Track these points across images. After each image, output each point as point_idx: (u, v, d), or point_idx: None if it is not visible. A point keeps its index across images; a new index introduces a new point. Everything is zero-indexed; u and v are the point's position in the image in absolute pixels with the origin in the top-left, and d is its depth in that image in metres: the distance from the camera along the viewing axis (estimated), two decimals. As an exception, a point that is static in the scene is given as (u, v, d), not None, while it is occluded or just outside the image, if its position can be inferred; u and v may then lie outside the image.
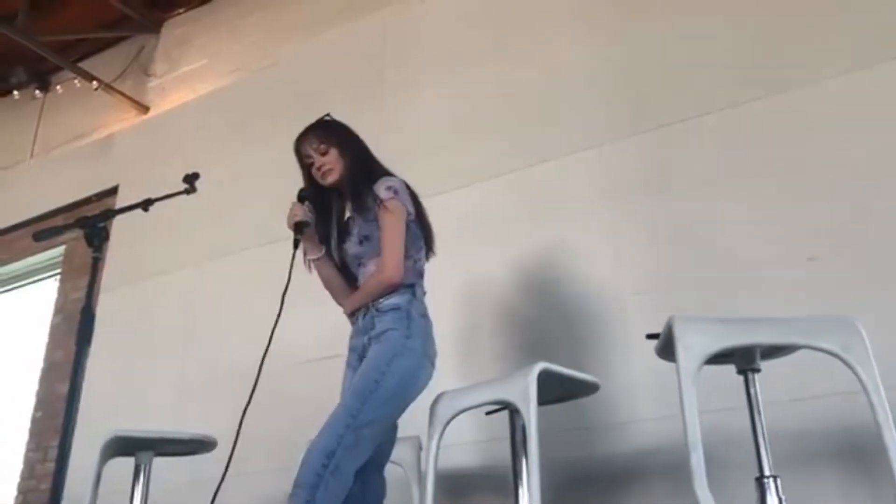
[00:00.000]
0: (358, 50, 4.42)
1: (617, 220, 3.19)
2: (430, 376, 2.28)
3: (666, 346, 2.00)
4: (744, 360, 2.02)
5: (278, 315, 2.28)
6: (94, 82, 5.38)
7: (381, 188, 2.34)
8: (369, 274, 2.36)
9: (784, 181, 2.91)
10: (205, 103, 5.02)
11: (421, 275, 2.39)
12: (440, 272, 3.47)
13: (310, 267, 2.47)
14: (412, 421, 3.02)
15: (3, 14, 5.15)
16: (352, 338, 2.40)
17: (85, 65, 5.70)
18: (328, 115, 2.57)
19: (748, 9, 3.25)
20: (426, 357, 2.26)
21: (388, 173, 2.46)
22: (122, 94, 5.46)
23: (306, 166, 2.47)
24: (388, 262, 2.27)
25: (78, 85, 5.61)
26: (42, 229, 2.09)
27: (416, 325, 2.26)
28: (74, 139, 5.76)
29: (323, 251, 2.46)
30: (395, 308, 2.27)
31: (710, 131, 3.13)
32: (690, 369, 1.86)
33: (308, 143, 2.45)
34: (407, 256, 2.33)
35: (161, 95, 5.44)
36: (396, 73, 4.19)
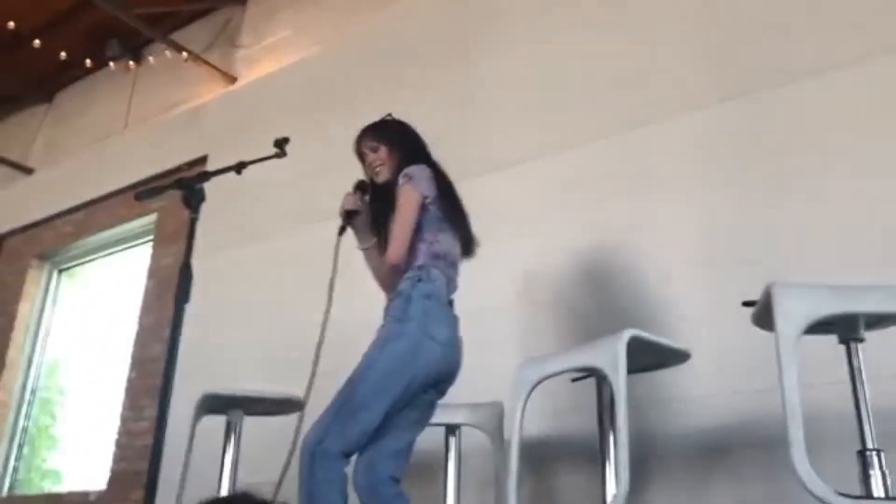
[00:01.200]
0: (441, 16, 4.39)
1: (711, 186, 3.09)
2: (440, 354, 2.23)
3: (763, 314, 1.93)
4: (847, 329, 1.93)
5: (329, 303, 2.27)
6: (184, 53, 5.52)
7: (400, 176, 2.38)
8: None
9: (883, 148, 2.77)
10: (291, 73, 5.09)
11: (438, 256, 2.35)
12: (530, 238, 3.47)
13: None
14: (496, 385, 3.05)
15: (98, -12, 5.32)
16: None
17: (175, 37, 5.84)
18: (390, 114, 2.61)
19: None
20: (426, 336, 2.21)
21: (427, 162, 2.49)
22: (210, 65, 5.58)
23: (364, 163, 2.54)
24: (390, 244, 2.31)
25: (169, 56, 5.77)
26: (143, 189, 2.16)
27: (414, 306, 2.23)
28: (166, 109, 5.93)
29: (373, 242, 2.48)
30: (399, 294, 2.28)
31: (804, 99, 3.00)
32: (790, 337, 1.79)
33: (363, 142, 2.54)
34: (420, 239, 2.34)
35: (248, 66, 5.54)
36: (480, 39, 4.15)
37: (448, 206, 2.43)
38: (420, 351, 2.19)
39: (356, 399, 2.13)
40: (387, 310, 2.32)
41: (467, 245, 2.48)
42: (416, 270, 2.30)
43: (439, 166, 2.51)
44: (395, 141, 2.52)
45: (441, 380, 2.31)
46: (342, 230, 2.40)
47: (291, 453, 2.10)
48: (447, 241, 2.39)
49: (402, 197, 2.34)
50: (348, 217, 2.42)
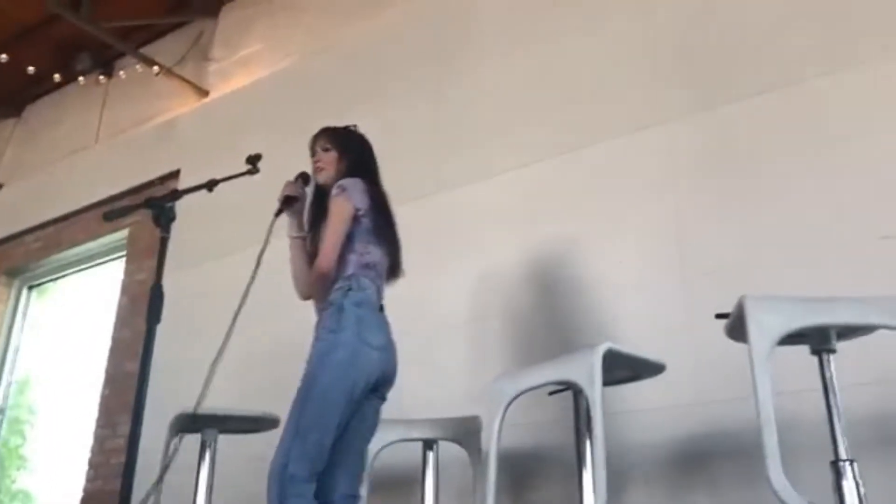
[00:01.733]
0: (413, 31, 4.40)
1: (683, 197, 3.12)
2: (377, 359, 2.29)
3: (737, 327, 1.94)
4: (819, 340, 1.95)
5: (253, 276, 2.34)
6: (156, 67, 5.48)
7: (335, 187, 2.43)
8: None
9: (855, 159, 2.81)
10: (264, 87, 5.07)
11: (368, 266, 2.41)
12: (499, 249, 3.47)
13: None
14: (472, 400, 3.04)
15: (69, 1, 5.27)
16: None
17: (146, 50, 5.80)
18: (354, 125, 2.68)
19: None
20: (362, 343, 2.27)
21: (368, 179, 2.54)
22: (182, 78, 5.54)
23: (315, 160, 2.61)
24: (320, 254, 2.36)
25: (140, 70, 5.72)
26: (111, 210, 2.14)
27: (347, 315, 2.29)
28: (137, 123, 5.88)
29: (303, 234, 2.54)
30: (331, 304, 2.33)
31: (776, 108, 3.03)
32: (763, 350, 1.80)
33: (318, 140, 2.62)
34: (351, 250, 2.39)
35: (221, 79, 5.50)
36: (453, 53, 4.16)
37: (380, 219, 2.48)
38: (358, 358, 2.25)
39: (308, 418, 2.18)
40: (319, 322, 2.36)
41: (394, 263, 2.54)
42: (345, 280, 2.35)
43: (379, 183, 2.58)
44: (348, 150, 2.59)
45: (380, 384, 2.36)
46: (278, 213, 2.47)
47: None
48: (377, 254, 2.45)
49: (335, 207, 2.39)
50: (287, 202, 2.49)
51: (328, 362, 2.23)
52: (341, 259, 2.38)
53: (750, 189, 2.98)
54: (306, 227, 2.57)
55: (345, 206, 2.39)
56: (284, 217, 2.54)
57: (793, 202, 2.87)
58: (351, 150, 2.60)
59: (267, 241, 2.37)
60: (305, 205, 2.56)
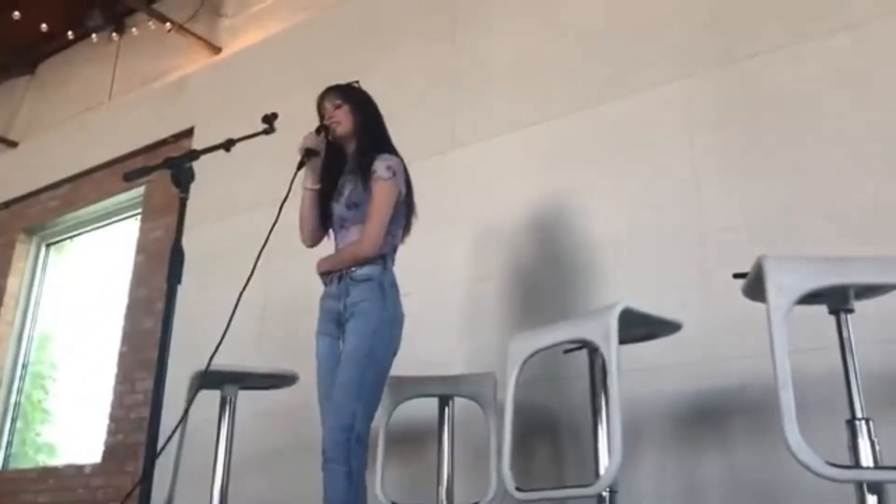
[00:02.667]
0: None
1: (700, 155, 3.09)
2: (400, 339, 2.46)
3: (754, 286, 1.94)
4: (837, 299, 1.94)
5: (275, 221, 2.42)
6: (168, 24, 5.43)
7: (382, 166, 2.50)
8: (349, 240, 2.51)
9: (879, 113, 2.76)
10: (276, 42, 5.02)
11: (395, 249, 2.55)
12: (512, 206, 3.47)
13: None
14: (489, 357, 3.07)
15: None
16: (323, 299, 2.55)
17: (159, 6, 5.75)
18: (357, 81, 2.72)
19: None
20: (398, 325, 2.44)
21: (393, 149, 2.62)
22: (194, 35, 5.50)
23: (322, 123, 2.64)
24: (367, 238, 2.44)
25: (152, 27, 5.68)
26: (131, 170, 2.13)
27: (388, 294, 2.43)
28: (150, 81, 5.86)
29: (318, 187, 2.62)
30: (368, 279, 2.43)
31: (796, 62, 2.98)
32: (781, 310, 1.80)
33: (327, 98, 2.66)
34: (387, 231, 2.48)
35: (233, 36, 5.46)
36: (468, 6, 4.10)
37: (411, 204, 2.62)
38: (397, 339, 2.43)
39: (370, 383, 2.32)
40: (347, 287, 2.43)
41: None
42: (381, 259, 2.47)
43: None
44: (360, 105, 2.66)
45: None
46: (301, 165, 2.55)
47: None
48: (399, 237, 2.58)
49: (385, 192, 2.47)
50: (308, 154, 2.55)
51: (383, 335, 2.38)
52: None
53: (769, 146, 2.95)
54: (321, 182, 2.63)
55: (394, 191, 2.49)
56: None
57: (812, 159, 2.84)
58: (363, 105, 2.66)
59: (289, 193, 2.45)
60: (320, 160, 2.60)
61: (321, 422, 2.40)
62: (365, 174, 2.51)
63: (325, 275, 2.53)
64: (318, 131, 2.59)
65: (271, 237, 2.40)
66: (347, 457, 2.22)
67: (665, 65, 3.30)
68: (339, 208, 2.56)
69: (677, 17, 3.34)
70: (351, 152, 2.63)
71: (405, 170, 2.57)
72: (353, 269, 2.45)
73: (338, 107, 2.62)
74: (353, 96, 2.66)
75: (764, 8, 3.13)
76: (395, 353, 2.42)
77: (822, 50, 2.94)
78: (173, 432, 2.25)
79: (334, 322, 2.47)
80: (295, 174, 2.50)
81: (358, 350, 2.34)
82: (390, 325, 2.41)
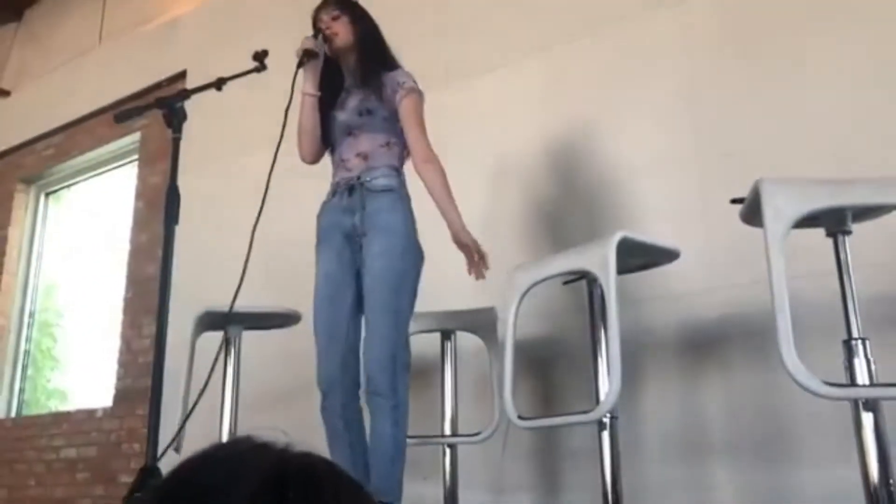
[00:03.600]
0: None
1: (698, 81, 3.05)
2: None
3: (752, 210, 1.94)
4: (834, 222, 1.95)
5: (280, 139, 2.37)
6: (155, -37, 5.32)
7: (409, 78, 2.44)
8: (360, 148, 2.41)
9: (877, 36, 2.72)
10: (266, -20, 4.91)
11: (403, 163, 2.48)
12: (512, 139, 3.44)
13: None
14: (488, 290, 3.09)
15: None
16: (329, 212, 2.43)
17: (145, -54, 5.62)
18: None
19: None
20: (417, 238, 2.38)
21: (398, 64, 2.53)
22: (183, -26, 5.38)
23: (319, 31, 2.52)
24: (427, 154, 2.38)
25: (138, -33, 5.56)
26: (122, 110, 2.12)
27: (409, 207, 2.38)
28: (140, 23, 5.74)
29: (318, 93, 2.50)
30: (388, 189, 2.36)
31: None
32: (778, 233, 1.81)
33: (323, 10, 2.53)
34: (402, 144, 2.44)
35: (222, -26, 5.33)
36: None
37: None
38: (421, 253, 2.36)
39: (405, 309, 2.28)
40: (362, 199, 2.34)
41: None
42: (394, 168, 2.41)
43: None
44: (358, 17, 2.54)
45: None
46: (299, 66, 2.45)
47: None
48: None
49: (418, 102, 2.43)
50: (307, 55, 2.45)
51: (411, 252, 2.31)
52: (393, 147, 2.43)
53: (767, 71, 2.91)
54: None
55: (421, 103, 2.43)
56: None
57: (809, 84, 2.80)
58: (362, 17, 2.56)
59: (291, 97, 2.39)
60: (320, 64, 2.50)
61: (322, 349, 2.33)
62: (374, 81, 2.42)
63: (336, 188, 2.44)
64: (315, 36, 2.49)
65: (279, 179, 2.36)
66: (395, 388, 2.17)
67: (662, -10, 3.23)
68: (346, 115, 2.45)
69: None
70: (352, 65, 2.52)
71: None
72: (367, 178, 2.36)
73: (335, 18, 2.50)
74: (350, 7, 2.55)
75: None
76: (421, 268, 2.35)
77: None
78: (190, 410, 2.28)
79: (343, 236, 2.37)
80: (295, 75, 2.42)
81: (390, 272, 2.26)
82: (415, 240, 2.35)
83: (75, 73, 6.07)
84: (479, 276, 2.31)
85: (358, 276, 2.35)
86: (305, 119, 2.50)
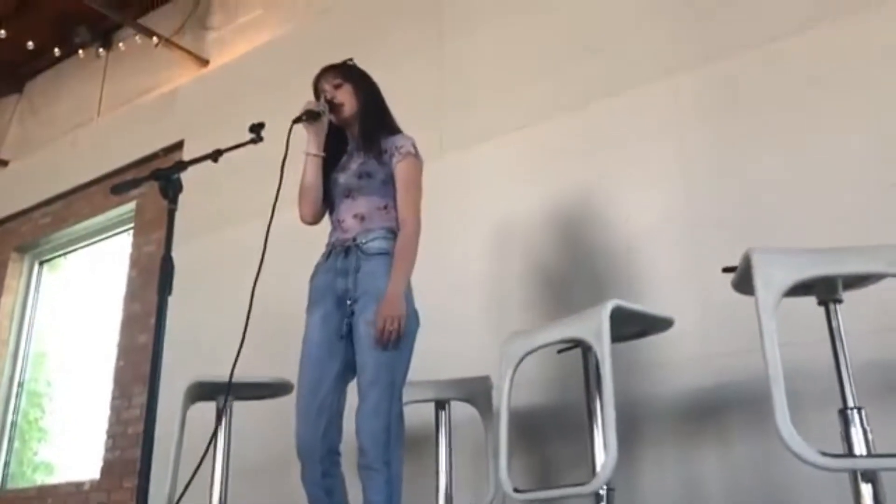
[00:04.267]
0: (413, -9, 4.35)
1: (688, 151, 3.11)
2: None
3: (743, 279, 1.95)
4: (825, 290, 1.96)
5: (279, 187, 2.37)
6: (155, 38, 5.44)
7: (408, 143, 2.47)
8: (357, 210, 2.41)
9: (860, 108, 2.78)
10: (263, 54, 5.04)
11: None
12: (505, 209, 3.48)
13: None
14: (483, 360, 3.07)
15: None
16: (322, 274, 2.42)
17: (145, 21, 5.76)
18: (351, 59, 2.64)
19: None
20: (413, 303, 2.35)
21: (399, 129, 2.56)
22: (181, 48, 5.51)
23: (322, 98, 2.54)
24: (411, 218, 2.38)
25: (139, 41, 5.69)
26: (119, 183, 2.14)
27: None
28: (138, 95, 5.86)
29: (322, 154, 2.50)
30: (383, 252, 2.34)
31: (780, 58, 3.00)
32: (770, 302, 1.81)
33: (325, 79, 2.55)
34: (395, 207, 2.43)
35: (220, 48, 5.47)
36: (453, 12, 4.12)
37: None
38: (416, 319, 2.34)
39: (400, 379, 2.25)
40: (358, 262, 2.32)
41: None
42: (391, 231, 2.39)
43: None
44: (360, 83, 2.56)
45: None
46: (298, 119, 2.44)
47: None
48: None
49: (415, 168, 2.45)
50: (309, 115, 2.45)
51: (408, 325, 2.27)
52: (391, 211, 2.42)
53: (755, 141, 2.96)
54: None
55: (417, 168, 2.45)
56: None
57: (798, 153, 2.86)
58: (364, 83, 2.58)
59: (287, 149, 2.37)
60: (324, 128, 2.50)
61: (302, 413, 2.29)
62: (376, 146, 2.44)
63: (330, 249, 2.44)
64: (319, 99, 2.51)
65: (272, 249, 2.36)
66: (388, 461, 2.14)
67: (651, 63, 3.32)
68: (346, 178, 2.46)
69: (661, 15, 3.36)
70: (355, 131, 2.54)
71: None
72: (363, 240, 2.35)
73: (337, 86, 2.52)
74: (352, 75, 2.57)
75: (745, 4, 3.15)
76: (416, 333, 2.33)
77: (809, 43, 2.95)
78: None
79: (335, 298, 2.35)
80: (291, 127, 2.40)
81: (385, 340, 2.22)
82: (411, 306, 2.32)
83: (74, 143, 6.15)
84: (380, 344, 2.24)
85: (348, 341, 2.32)
86: (308, 179, 2.50)
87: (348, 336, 2.32)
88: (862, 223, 2.64)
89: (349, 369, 2.33)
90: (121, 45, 6.05)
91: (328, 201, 2.53)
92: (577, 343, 2.39)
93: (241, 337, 2.26)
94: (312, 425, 2.25)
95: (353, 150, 2.54)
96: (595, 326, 2.14)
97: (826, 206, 2.73)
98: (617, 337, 2.20)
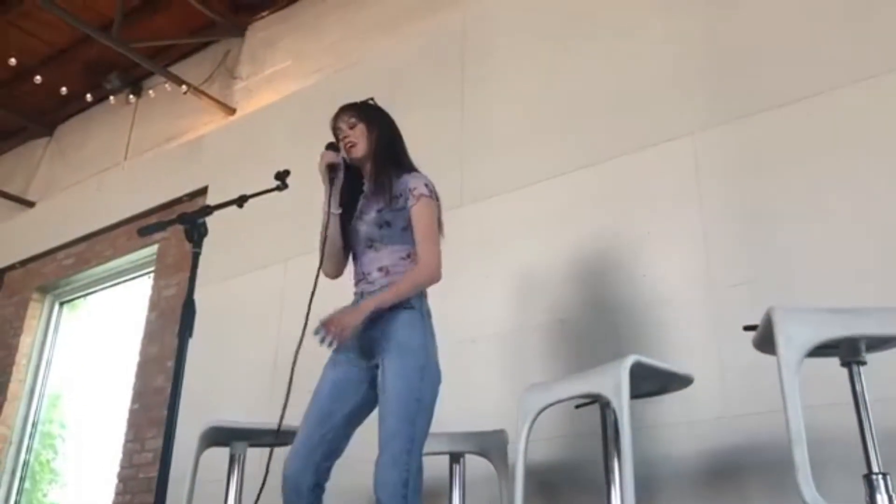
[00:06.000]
0: (437, 46, 4.44)
1: (709, 207, 3.11)
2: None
3: (765, 339, 1.94)
4: (848, 351, 1.94)
5: (321, 260, 2.37)
6: (184, 86, 5.57)
7: (420, 183, 2.40)
8: (382, 263, 2.36)
9: (882, 168, 2.79)
10: (289, 104, 5.13)
11: None
12: (526, 262, 3.48)
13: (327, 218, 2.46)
14: (498, 413, 3.04)
15: (99, 24, 5.39)
16: None
17: (175, 69, 5.90)
18: (371, 98, 2.61)
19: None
20: (437, 357, 2.30)
21: (415, 168, 2.50)
22: (209, 96, 5.62)
23: (338, 139, 2.52)
24: (431, 262, 2.31)
25: (168, 89, 5.81)
26: (145, 225, 2.17)
27: (427, 325, 2.32)
28: (166, 141, 5.97)
29: (339, 211, 2.47)
30: (410, 306, 2.29)
31: (802, 118, 3.02)
32: (792, 362, 1.79)
33: (341, 118, 2.52)
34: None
35: (247, 97, 5.58)
36: (476, 67, 4.19)
37: (442, 224, 2.46)
38: (439, 373, 2.29)
39: (421, 432, 2.18)
40: (382, 316, 2.27)
41: None
42: None
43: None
44: (375, 122, 2.51)
45: None
46: (332, 180, 2.43)
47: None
48: None
49: (431, 210, 2.38)
50: (331, 170, 2.44)
51: (429, 376, 2.23)
52: (414, 258, 2.35)
53: (776, 200, 2.97)
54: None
55: (435, 209, 2.40)
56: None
57: (819, 212, 2.86)
58: (379, 122, 2.52)
59: (329, 215, 2.38)
60: (341, 179, 2.48)
61: (300, 442, 2.25)
62: (390, 190, 2.38)
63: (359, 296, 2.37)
64: (329, 146, 2.49)
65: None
66: None
67: (673, 121, 3.34)
68: (366, 228, 2.41)
69: (684, 74, 3.40)
70: (369, 172, 2.49)
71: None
72: None
73: (352, 126, 2.48)
74: (367, 114, 2.52)
75: (770, 63, 3.18)
76: (438, 389, 2.26)
77: (828, 103, 2.98)
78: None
79: (359, 349, 2.31)
80: (328, 194, 2.40)
81: (408, 394, 2.18)
82: (435, 361, 2.28)
83: (100, 186, 6.26)
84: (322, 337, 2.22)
85: (366, 391, 2.30)
86: (330, 238, 2.46)
87: (370, 384, 2.30)
88: (884, 284, 2.61)
89: (360, 414, 2.31)
90: (151, 91, 6.19)
91: (348, 248, 2.50)
92: (595, 398, 2.36)
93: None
94: (308, 455, 2.22)
95: (368, 193, 2.48)
96: (614, 382, 2.12)
97: (848, 266, 2.71)
98: (636, 393, 2.18)
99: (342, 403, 2.29)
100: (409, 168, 2.49)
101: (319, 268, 2.39)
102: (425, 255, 2.32)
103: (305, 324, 2.25)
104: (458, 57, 4.30)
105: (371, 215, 2.41)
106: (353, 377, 2.31)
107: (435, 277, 2.32)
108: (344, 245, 2.49)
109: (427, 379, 2.23)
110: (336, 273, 2.51)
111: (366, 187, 2.51)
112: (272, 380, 4.09)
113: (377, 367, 2.27)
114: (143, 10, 5.72)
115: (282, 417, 2.25)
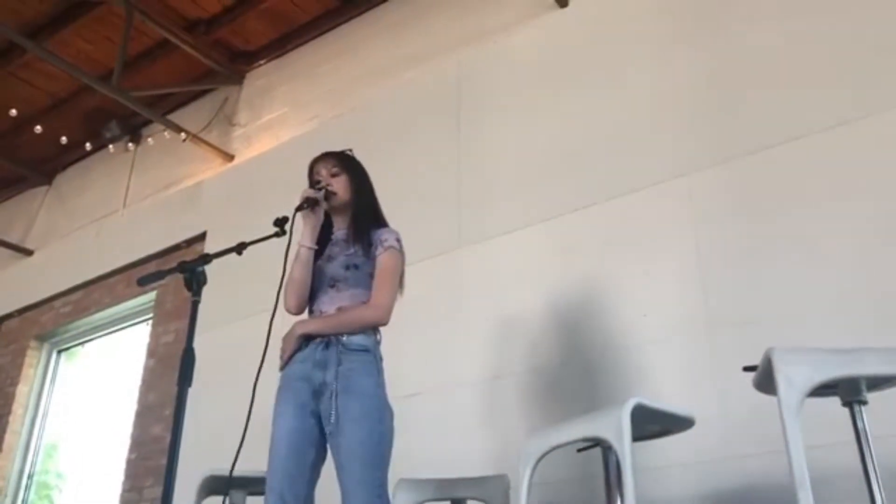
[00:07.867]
0: (433, 92, 4.50)
1: (705, 251, 3.13)
2: None
3: (765, 379, 1.93)
4: (849, 391, 1.94)
5: (281, 281, 2.42)
6: (182, 133, 5.62)
7: (392, 237, 2.50)
8: (341, 303, 2.41)
9: (876, 207, 2.82)
10: (287, 150, 5.16)
11: None
12: (521, 304, 3.48)
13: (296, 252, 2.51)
14: (501, 458, 3.02)
15: (99, 74, 5.46)
16: (297, 364, 2.38)
17: (173, 117, 5.95)
18: (350, 149, 2.70)
19: (823, 32, 3.18)
20: (388, 400, 2.34)
21: (386, 222, 2.61)
22: (208, 143, 5.67)
23: (314, 183, 2.59)
24: (382, 304, 2.39)
25: (167, 136, 5.87)
26: (145, 275, 2.18)
27: (381, 370, 2.37)
28: (164, 188, 6.01)
29: (315, 247, 2.51)
30: (364, 349, 2.34)
31: (796, 158, 3.06)
32: (793, 402, 1.79)
33: (323, 164, 2.62)
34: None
35: (245, 144, 5.63)
36: (472, 113, 4.24)
37: (403, 283, 2.56)
38: (393, 420, 2.31)
39: (385, 477, 2.21)
40: (338, 356, 2.30)
41: None
42: (374, 330, 2.41)
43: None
44: (356, 175, 2.62)
45: None
46: (299, 208, 2.46)
47: None
48: None
49: (396, 262, 2.47)
50: (308, 203, 2.48)
51: (387, 419, 2.28)
52: None
53: (773, 240, 2.99)
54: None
55: (400, 263, 2.49)
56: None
57: (815, 252, 2.88)
58: (359, 175, 2.63)
59: (290, 241, 2.38)
60: (320, 219, 2.54)
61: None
62: (365, 243, 2.47)
63: (308, 339, 2.38)
64: (314, 186, 2.55)
65: (271, 348, 2.37)
66: None
67: (666, 161, 3.38)
68: (333, 268, 2.47)
69: (676, 114, 3.45)
70: (343, 220, 2.58)
71: None
72: (346, 336, 2.34)
73: (334, 175, 2.57)
74: (350, 166, 2.63)
75: (761, 105, 3.23)
76: (393, 424, 2.30)
77: (822, 144, 3.02)
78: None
79: (311, 390, 2.31)
80: (293, 216, 2.40)
81: (370, 441, 2.20)
82: (386, 400, 2.32)
83: (98, 233, 6.27)
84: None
85: (321, 433, 2.29)
86: (299, 271, 2.49)
87: (320, 430, 2.29)
88: (884, 323, 2.62)
89: (320, 459, 2.31)
90: (149, 139, 6.25)
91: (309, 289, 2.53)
92: (597, 442, 2.35)
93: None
94: None
95: (338, 239, 2.56)
96: (615, 425, 2.11)
97: (846, 305, 2.72)
98: (637, 436, 2.17)
99: (305, 456, 2.27)
100: (384, 223, 2.61)
101: (276, 302, 2.41)
102: (378, 296, 2.40)
103: (259, 368, 2.33)
104: (453, 102, 4.35)
105: (340, 259, 2.48)
106: (308, 423, 2.30)
107: (382, 319, 2.39)
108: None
109: (385, 422, 2.27)
110: (298, 309, 2.52)
111: (337, 233, 2.59)
112: (269, 429, 4.06)
113: (329, 407, 2.26)
114: (142, 60, 5.80)
115: (234, 461, 2.28)
